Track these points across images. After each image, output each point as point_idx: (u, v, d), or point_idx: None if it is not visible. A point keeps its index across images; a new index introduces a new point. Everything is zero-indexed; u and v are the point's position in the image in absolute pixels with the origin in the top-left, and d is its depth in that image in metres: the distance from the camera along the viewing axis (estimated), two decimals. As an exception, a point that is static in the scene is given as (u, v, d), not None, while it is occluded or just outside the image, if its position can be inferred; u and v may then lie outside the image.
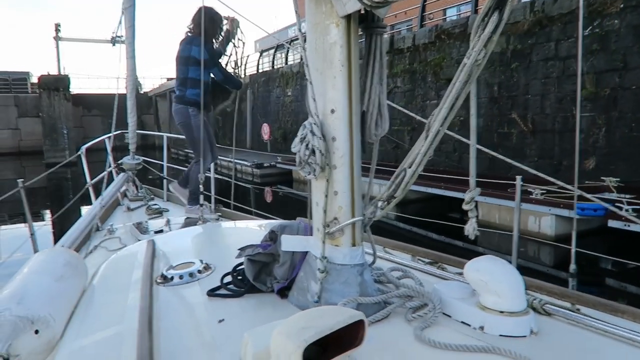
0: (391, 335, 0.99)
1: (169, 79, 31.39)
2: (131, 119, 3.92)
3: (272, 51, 21.07)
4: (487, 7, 0.86)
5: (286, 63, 18.85)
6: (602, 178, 6.42)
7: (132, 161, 3.92)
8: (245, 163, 14.06)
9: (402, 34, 12.29)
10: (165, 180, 4.14)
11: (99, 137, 4.41)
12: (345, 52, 1.05)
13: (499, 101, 8.88)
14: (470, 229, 0.98)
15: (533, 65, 8.22)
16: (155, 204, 3.70)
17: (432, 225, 4.76)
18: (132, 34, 3.47)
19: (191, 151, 3.56)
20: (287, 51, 18.85)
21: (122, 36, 3.60)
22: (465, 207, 0.99)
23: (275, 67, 19.98)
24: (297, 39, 1.17)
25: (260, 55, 22.67)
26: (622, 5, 6.93)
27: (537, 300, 1.07)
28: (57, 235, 4.96)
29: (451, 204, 7.13)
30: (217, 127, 24.38)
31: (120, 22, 3.58)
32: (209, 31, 3.33)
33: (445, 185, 7.60)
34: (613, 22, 7.07)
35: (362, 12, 1.08)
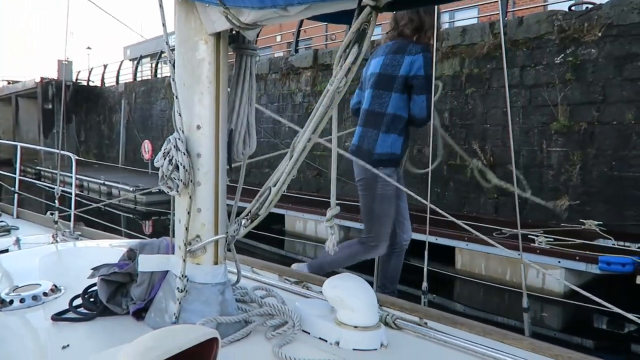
0: (250, 353, 1.28)
1: (10, 82, 30.65)
2: None
3: (149, 59, 22.46)
4: (348, 40, 1.24)
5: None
6: (580, 220, 7.08)
7: None
8: (126, 187, 13.36)
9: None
10: (16, 195, 4.33)
11: None
12: (214, 69, 1.39)
13: (450, 130, 9.59)
14: (330, 245, 1.34)
15: (493, 92, 9.15)
16: (2, 221, 3.86)
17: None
18: None
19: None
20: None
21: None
22: (325, 224, 1.35)
23: (159, 76, 20.86)
24: (174, 49, 1.52)
25: (139, 62, 23.81)
26: (599, 34, 7.80)
27: (390, 315, 1.45)
28: None
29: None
30: (79, 141, 24.40)
31: None
32: (425, 26, 2.91)
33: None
34: (590, 51, 7.94)
35: (234, 32, 1.45)
